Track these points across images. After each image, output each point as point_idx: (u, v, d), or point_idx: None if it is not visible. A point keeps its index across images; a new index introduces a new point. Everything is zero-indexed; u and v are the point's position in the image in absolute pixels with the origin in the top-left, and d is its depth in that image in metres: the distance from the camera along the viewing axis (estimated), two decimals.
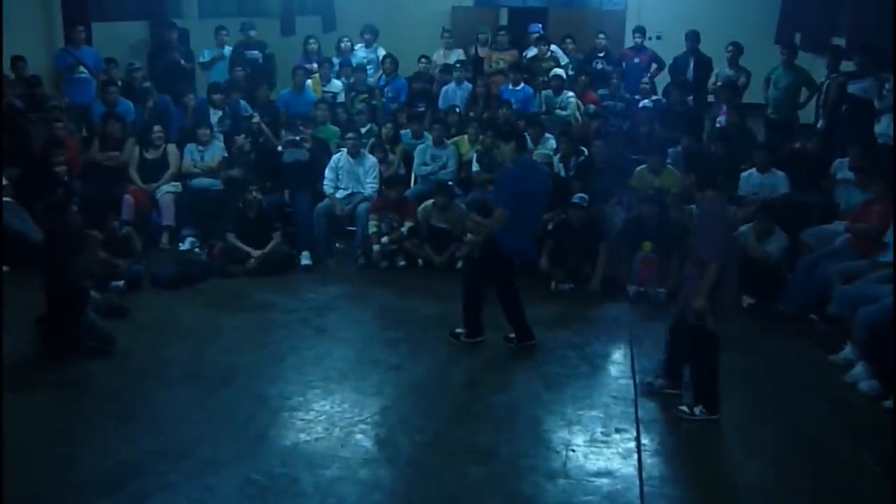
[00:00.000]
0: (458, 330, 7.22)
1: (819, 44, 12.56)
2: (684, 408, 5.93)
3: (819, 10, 12.87)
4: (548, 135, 10.07)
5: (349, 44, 12.83)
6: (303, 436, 5.69)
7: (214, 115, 10.65)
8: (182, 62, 11.77)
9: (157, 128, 10.00)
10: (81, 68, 10.78)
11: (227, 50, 12.24)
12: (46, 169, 9.08)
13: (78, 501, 4.99)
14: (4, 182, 7.43)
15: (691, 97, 11.71)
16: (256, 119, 10.41)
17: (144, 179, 9.81)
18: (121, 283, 8.17)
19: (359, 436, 5.70)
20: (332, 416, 5.94)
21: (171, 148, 10.04)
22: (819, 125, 10.40)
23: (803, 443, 5.72)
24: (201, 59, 12.15)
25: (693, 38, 12.31)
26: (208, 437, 5.64)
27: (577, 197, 8.47)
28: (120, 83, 10.90)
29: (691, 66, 12.25)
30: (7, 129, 9.27)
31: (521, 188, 6.73)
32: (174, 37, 11.91)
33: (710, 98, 12.05)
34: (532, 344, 7.11)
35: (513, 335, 7.17)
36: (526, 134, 8.21)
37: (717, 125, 10.92)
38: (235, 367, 6.70)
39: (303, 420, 5.90)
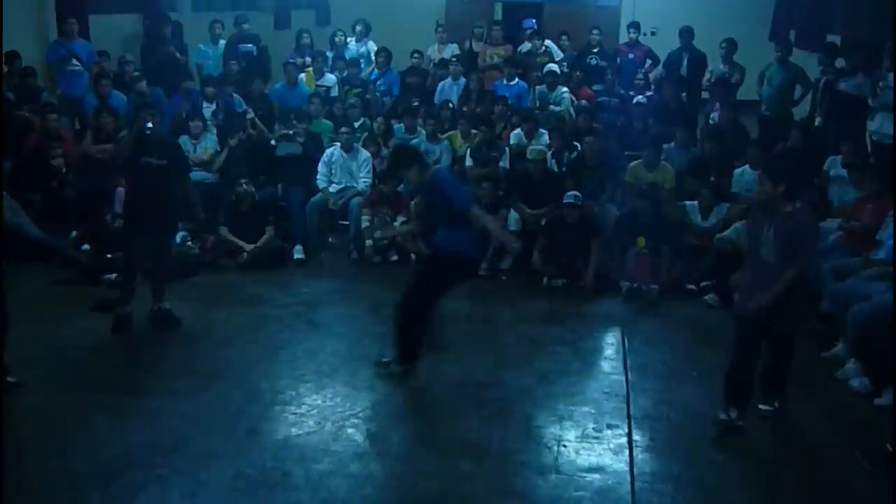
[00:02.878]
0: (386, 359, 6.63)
1: (813, 41, 12.55)
2: (766, 406, 5.88)
3: (813, 7, 12.84)
4: (541, 130, 10.08)
5: (343, 37, 12.82)
6: (294, 430, 5.69)
7: (208, 109, 10.62)
8: (178, 55, 11.76)
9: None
10: (74, 61, 10.75)
11: (221, 44, 12.22)
12: (41, 162, 9.06)
13: (70, 494, 4.98)
14: None
15: (685, 93, 11.71)
16: (251, 115, 10.39)
17: None
18: (112, 275, 8.15)
19: (350, 430, 5.70)
20: (323, 411, 5.94)
21: None
22: (817, 122, 10.39)
23: (794, 439, 5.74)
24: (196, 60, 12.14)
25: (687, 34, 12.30)
26: (200, 431, 5.64)
27: (571, 195, 8.46)
28: (112, 76, 10.87)
29: (685, 62, 12.24)
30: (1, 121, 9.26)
31: (461, 184, 6.63)
32: (168, 30, 11.90)
33: (705, 94, 12.04)
34: (411, 368, 6.49)
35: (387, 359, 6.57)
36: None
37: (711, 122, 10.92)
38: (227, 361, 6.69)
39: (294, 414, 5.89)
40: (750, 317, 5.58)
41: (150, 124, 7.00)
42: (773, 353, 5.77)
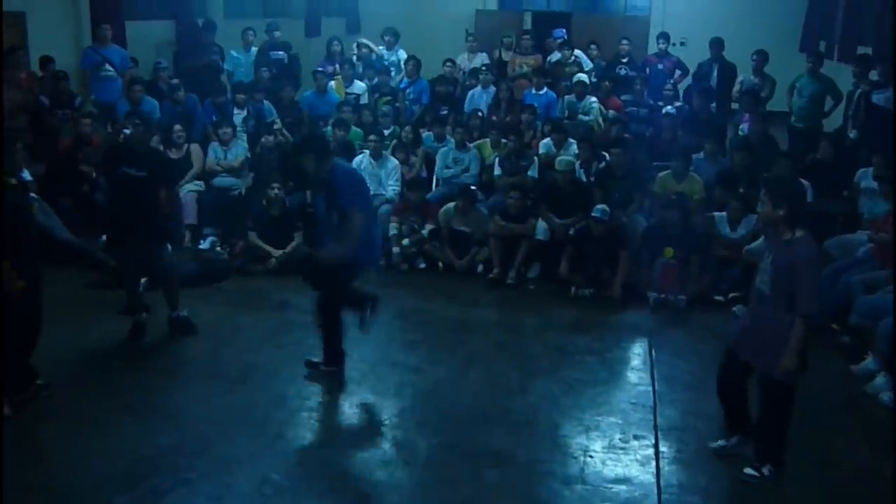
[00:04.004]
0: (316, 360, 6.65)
1: (845, 52, 12.48)
2: (751, 471, 5.27)
3: (845, 18, 12.80)
4: (570, 140, 10.05)
5: (367, 49, 12.86)
6: (320, 436, 5.71)
7: (238, 115, 10.70)
8: (220, 62, 11.91)
9: (177, 127, 10.01)
10: (107, 66, 10.85)
11: (253, 51, 12.31)
12: (72, 166, 9.14)
13: (97, 496, 5.02)
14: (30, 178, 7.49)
15: (714, 104, 11.66)
16: (278, 125, 10.45)
17: None
18: (143, 280, 8.21)
19: (376, 437, 5.72)
20: (349, 417, 5.96)
21: (195, 147, 10.10)
22: (852, 135, 10.30)
23: (822, 452, 5.67)
24: (228, 66, 12.25)
25: (717, 45, 12.28)
26: (226, 435, 5.67)
27: (598, 210, 8.40)
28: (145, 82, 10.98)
29: (715, 72, 12.20)
30: (34, 126, 9.40)
31: (362, 186, 6.54)
32: (212, 37, 12.04)
33: (735, 105, 11.99)
34: (334, 371, 6.54)
35: (317, 360, 6.60)
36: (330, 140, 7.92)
37: (740, 133, 10.86)
38: (254, 366, 6.73)
39: (320, 420, 5.92)
40: (746, 359, 5.29)
41: (127, 131, 6.90)
42: (766, 405, 5.25)
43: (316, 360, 6.60)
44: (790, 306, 4.95)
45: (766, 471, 5.28)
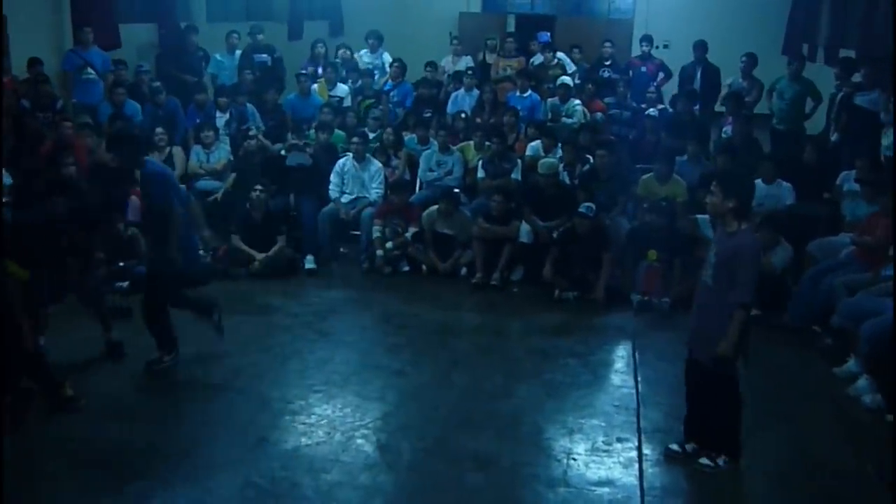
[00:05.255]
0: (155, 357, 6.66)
1: (828, 55, 12.54)
2: (706, 461, 5.37)
3: (828, 21, 12.84)
4: (559, 145, 10.04)
5: (348, 52, 12.86)
6: (304, 439, 5.69)
7: (221, 118, 10.67)
8: (203, 63, 11.91)
9: (159, 130, 9.99)
10: (89, 69, 10.80)
11: (237, 54, 12.28)
12: (55, 170, 9.07)
13: (80, 500, 5.01)
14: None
15: (698, 106, 11.70)
16: (254, 132, 10.43)
17: None
18: (124, 283, 8.18)
19: (360, 441, 5.70)
20: (333, 421, 5.94)
21: (177, 150, 10.08)
22: (833, 138, 10.35)
23: (806, 455, 5.69)
24: (211, 70, 12.22)
25: (701, 47, 12.33)
26: (209, 439, 5.66)
27: (584, 206, 8.43)
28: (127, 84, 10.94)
29: (699, 75, 12.25)
30: (15, 130, 9.32)
31: (174, 185, 6.54)
32: (194, 39, 12.04)
33: (721, 108, 12.03)
34: (175, 355, 6.69)
35: (155, 357, 6.65)
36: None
37: (724, 135, 10.90)
38: (238, 370, 6.70)
39: (304, 424, 5.89)
40: (693, 351, 5.41)
41: None
42: (711, 396, 5.33)
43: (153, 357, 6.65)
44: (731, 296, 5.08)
45: (720, 462, 5.37)
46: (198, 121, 10.53)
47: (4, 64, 10.11)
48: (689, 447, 5.51)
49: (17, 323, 5.72)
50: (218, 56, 12.32)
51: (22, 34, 10.46)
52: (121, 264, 8.28)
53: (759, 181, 8.99)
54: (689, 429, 5.55)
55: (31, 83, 10.05)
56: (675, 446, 5.57)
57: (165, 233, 6.24)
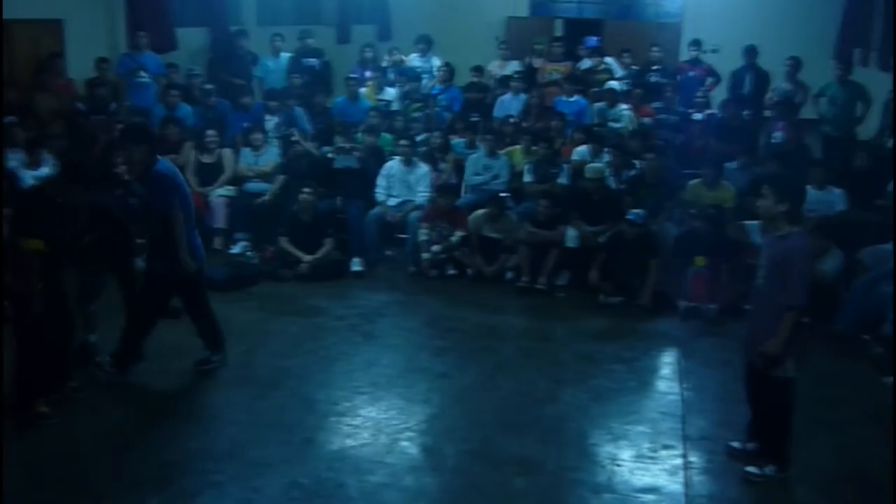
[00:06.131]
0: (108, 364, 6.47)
1: (881, 60, 12.36)
2: (753, 469, 5.37)
3: (882, 25, 12.66)
4: (606, 150, 10.00)
5: (399, 56, 12.93)
6: (349, 441, 5.73)
7: (270, 121, 10.78)
8: (252, 68, 12.06)
9: (210, 132, 10.15)
10: (142, 73, 10.97)
11: (284, 57, 12.39)
12: (106, 169, 9.23)
13: (128, 497, 5.08)
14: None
15: (747, 111, 11.60)
16: (296, 137, 10.51)
17: (200, 183, 9.96)
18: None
19: (405, 443, 5.73)
20: (378, 423, 5.98)
21: (227, 152, 10.19)
22: (888, 143, 10.18)
23: (853, 466, 5.62)
24: (258, 73, 12.34)
25: (751, 52, 12.19)
26: (256, 439, 5.71)
27: (633, 213, 8.40)
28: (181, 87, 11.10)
29: (749, 80, 12.13)
30: (70, 132, 9.53)
31: (182, 189, 6.32)
32: (244, 43, 12.19)
33: (768, 113, 11.91)
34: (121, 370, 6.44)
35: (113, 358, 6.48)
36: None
37: (773, 140, 10.79)
38: (284, 371, 6.77)
39: (350, 425, 5.94)
40: (748, 356, 5.41)
41: None
42: (764, 401, 5.37)
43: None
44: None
45: (768, 470, 5.34)
46: (245, 124, 10.64)
47: (60, 67, 10.31)
48: (749, 446, 5.54)
49: (31, 292, 5.68)
50: (265, 60, 12.42)
51: (78, 38, 10.68)
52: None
53: (809, 187, 8.91)
54: (752, 430, 5.57)
55: (87, 86, 10.24)
56: (736, 444, 5.60)
57: (165, 235, 6.14)
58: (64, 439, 5.67)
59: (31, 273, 5.59)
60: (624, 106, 11.23)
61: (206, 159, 10.07)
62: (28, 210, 5.81)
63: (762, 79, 12.12)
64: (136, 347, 6.49)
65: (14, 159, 8.73)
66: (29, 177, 8.52)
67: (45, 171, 8.71)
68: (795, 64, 11.63)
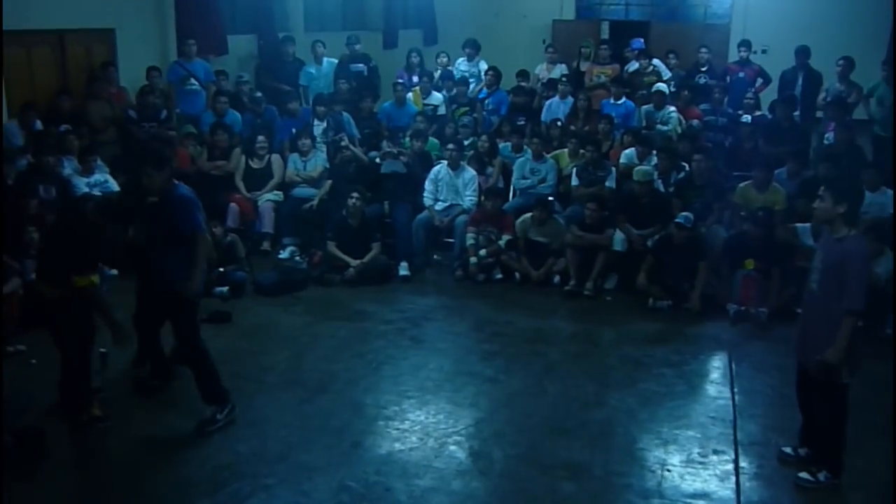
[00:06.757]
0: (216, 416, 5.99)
1: None
2: (806, 475, 5.30)
3: None
4: (654, 152, 9.93)
5: (446, 59, 12.97)
6: (397, 445, 5.75)
7: (318, 127, 10.86)
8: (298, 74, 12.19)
9: (260, 138, 10.29)
10: (192, 80, 11.12)
11: (326, 63, 12.45)
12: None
13: (180, 500, 5.15)
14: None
15: (797, 113, 11.44)
16: (345, 142, 10.58)
17: (249, 188, 10.09)
18: (225, 288, 8.39)
19: (453, 447, 5.73)
20: (426, 427, 5.99)
21: (276, 157, 10.30)
22: None
23: None
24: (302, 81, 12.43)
25: (803, 53, 12.03)
26: (305, 443, 5.75)
27: (682, 216, 8.33)
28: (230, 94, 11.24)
29: (800, 81, 11.97)
30: (122, 138, 9.71)
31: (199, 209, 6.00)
32: (290, 50, 12.30)
33: (819, 114, 11.74)
34: (231, 407, 6.04)
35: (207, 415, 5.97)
36: None
37: (825, 142, 10.63)
38: (333, 375, 6.81)
39: (398, 429, 5.96)
40: (801, 361, 5.34)
41: None
42: (819, 407, 5.28)
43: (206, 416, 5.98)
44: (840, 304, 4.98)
45: (822, 476, 5.27)
46: (293, 130, 10.73)
47: (113, 76, 10.49)
48: (801, 451, 5.50)
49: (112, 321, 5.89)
50: (308, 67, 12.47)
51: (130, 47, 10.86)
52: (220, 269, 8.48)
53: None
54: (805, 435, 5.52)
55: (139, 94, 10.41)
56: (788, 449, 5.56)
57: (176, 257, 5.88)
58: (116, 444, 5.76)
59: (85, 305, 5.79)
60: (672, 108, 11.15)
61: (256, 165, 10.19)
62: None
63: (814, 79, 11.95)
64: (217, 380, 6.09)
65: (68, 166, 8.93)
66: (82, 184, 8.72)
67: (97, 177, 8.90)
68: (848, 64, 11.46)
